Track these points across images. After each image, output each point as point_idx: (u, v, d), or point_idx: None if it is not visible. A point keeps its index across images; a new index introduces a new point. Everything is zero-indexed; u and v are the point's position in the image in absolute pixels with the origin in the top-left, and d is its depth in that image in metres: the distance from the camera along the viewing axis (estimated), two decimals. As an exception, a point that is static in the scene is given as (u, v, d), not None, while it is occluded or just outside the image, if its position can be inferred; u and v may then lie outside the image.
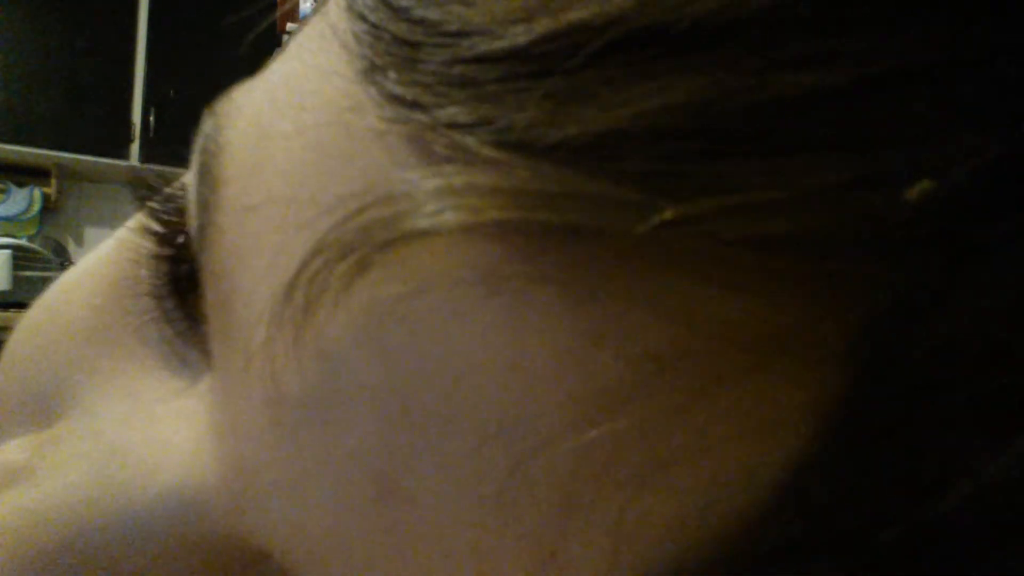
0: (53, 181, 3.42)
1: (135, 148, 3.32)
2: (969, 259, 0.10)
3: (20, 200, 3.37)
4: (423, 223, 0.12)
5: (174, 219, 0.18)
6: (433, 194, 0.12)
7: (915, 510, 0.11)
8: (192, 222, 0.16)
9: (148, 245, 0.18)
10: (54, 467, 0.17)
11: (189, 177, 0.17)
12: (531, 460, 0.12)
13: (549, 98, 0.11)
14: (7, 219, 3.31)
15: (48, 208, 3.43)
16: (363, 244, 0.12)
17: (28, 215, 3.37)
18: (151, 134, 3.30)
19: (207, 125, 0.16)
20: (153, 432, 0.16)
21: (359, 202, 0.12)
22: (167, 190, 0.18)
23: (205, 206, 0.15)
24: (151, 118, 3.32)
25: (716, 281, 0.11)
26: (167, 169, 0.20)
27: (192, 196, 0.16)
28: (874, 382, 0.11)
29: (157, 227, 0.18)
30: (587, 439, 0.12)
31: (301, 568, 0.15)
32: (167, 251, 0.18)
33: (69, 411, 0.18)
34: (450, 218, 0.11)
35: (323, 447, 0.13)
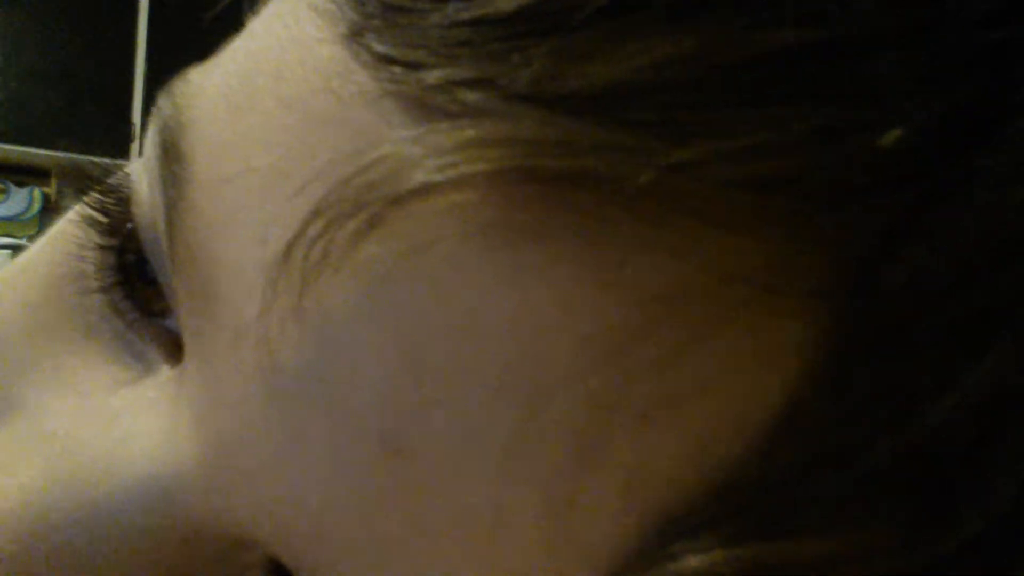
0: (53, 181, 3.42)
1: (135, 148, 3.31)
2: (939, 197, 0.11)
3: (20, 200, 3.37)
4: (432, 176, 0.12)
5: (119, 208, 0.17)
6: (439, 148, 0.12)
7: (906, 424, 0.11)
8: (148, 203, 0.16)
9: (92, 236, 0.17)
10: (1, 470, 0.16)
11: (136, 164, 0.17)
12: (542, 407, 0.12)
13: (552, 54, 0.12)
14: (7, 219, 3.31)
15: (48, 208, 3.43)
16: (372, 202, 0.12)
17: (28, 215, 3.37)
18: (151, 134, 3.30)
19: (165, 106, 0.16)
20: (108, 425, 0.16)
21: (359, 162, 0.12)
22: (109, 181, 0.18)
23: (174, 182, 0.15)
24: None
25: (715, 222, 0.12)
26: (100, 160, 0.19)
27: (156, 175, 0.15)
28: (861, 311, 0.12)
29: (101, 217, 0.17)
30: (596, 382, 0.12)
31: (289, 548, 0.14)
32: (112, 241, 0.17)
33: (8, 414, 0.17)
34: (458, 170, 0.12)
35: (324, 412, 0.13)
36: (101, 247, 0.17)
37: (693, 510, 0.12)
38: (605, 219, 0.12)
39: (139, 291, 0.17)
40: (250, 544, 0.15)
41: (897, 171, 0.11)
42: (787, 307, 0.12)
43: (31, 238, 3.11)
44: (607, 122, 0.11)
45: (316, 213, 0.13)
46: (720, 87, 0.11)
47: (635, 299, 0.12)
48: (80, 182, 0.18)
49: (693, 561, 0.12)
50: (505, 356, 0.12)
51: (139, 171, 0.17)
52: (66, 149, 3.25)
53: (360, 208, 0.12)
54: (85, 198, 0.18)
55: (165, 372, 0.16)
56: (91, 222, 0.18)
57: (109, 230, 0.18)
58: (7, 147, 3.19)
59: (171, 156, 0.15)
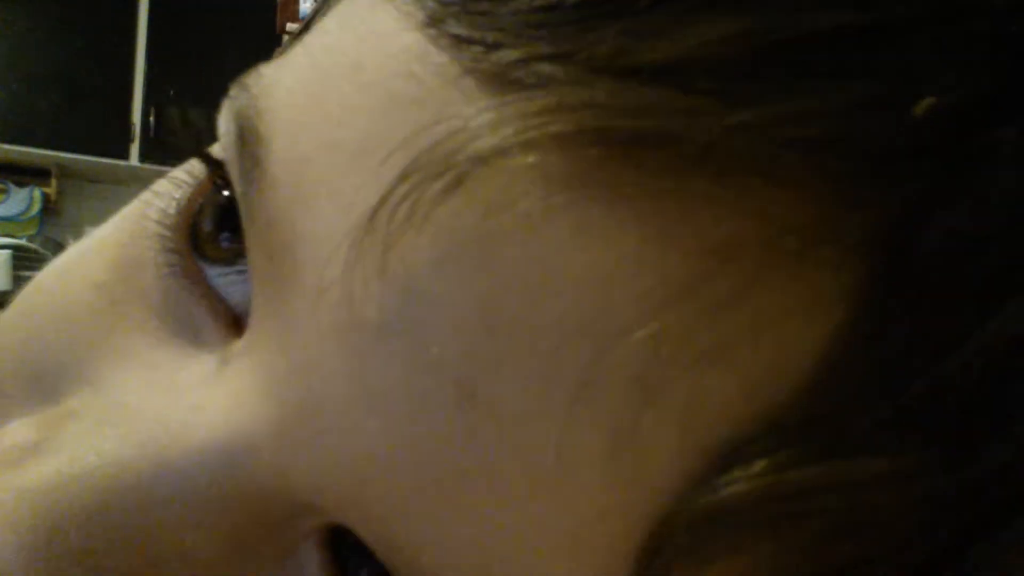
0: (53, 181, 3.43)
1: (135, 148, 3.32)
2: (968, 165, 0.13)
3: (20, 200, 3.38)
4: (512, 139, 0.13)
5: (220, 175, 0.18)
6: (520, 113, 0.13)
7: (936, 365, 0.13)
8: (234, 180, 0.17)
9: (203, 175, 0.19)
10: (76, 436, 0.17)
11: (217, 148, 0.18)
12: (606, 353, 0.13)
13: (624, 32, 0.13)
14: (7, 219, 3.31)
15: (48, 208, 3.44)
16: (456, 163, 0.13)
17: (28, 215, 3.38)
18: (151, 134, 3.31)
19: (241, 96, 0.17)
20: (178, 396, 0.16)
21: (441, 130, 0.13)
22: (211, 146, 0.19)
23: (254, 161, 0.16)
24: (151, 118, 3.32)
25: (768, 177, 0.13)
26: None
27: (233, 156, 0.17)
28: (898, 265, 0.13)
29: (218, 177, 0.18)
30: (656, 327, 0.13)
31: (357, 509, 0.15)
32: (217, 197, 0.18)
33: (78, 388, 0.18)
34: (536, 132, 0.13)
35: (402, 364, 0.14)
36: (218, 185, 0.19)
37: (747, 442, 0.13)
38: (670, 176, 0.13)
39: (207, 256, 0.18)
40: (310, 511, 0.16)
41: (931, 139, 0.12)
42: (833, 259, 0.13)
43: (31, 238, 3.12)
44: (674, 89, 0.13)
45: (403, 177, 0.14)
46: (774, 61, 0.13)
47: (695, 250, 0.13)
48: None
49: (746, 485, 0.13)
50: (575, 307, 0.13)
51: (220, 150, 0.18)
52: (66, 149, 3.25)
53: (446, 169, 0.13)
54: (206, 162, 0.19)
55: (229, 346, 0.17)
56: (208, 162, 0.19)
57: (213, 182, 0.19)
58: (7, 147, 3.20)
59: (249, 138, 0.16)
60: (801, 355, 0.13)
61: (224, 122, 0.17)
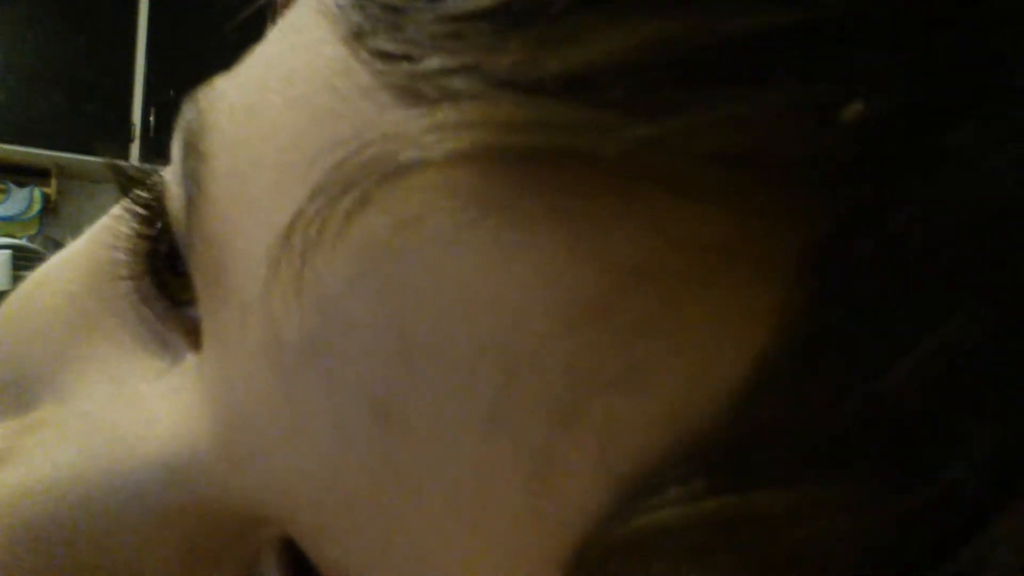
0: (53, 181, 3.42)
1: (135, 148, 3.32)
2: (909, 172, 0.12)
3: (20, 200, 3.37)
4: (416, 154, 0.13)
5: (155, 203, 0.18)
6: (424, 129, 0.13)
7: (870, 385, 0.12)
8: (177, 198, 0.17)
9: (131, 225, 0.18)
10: (38, 446, 0.17)
11: (168, 169, 0.18)
12: (519, 375, 0.13)
13: (531, 42, 0.12)
14: (7, 219, 3.31)
15: (48, 208, 3.43)
16: (363, 179, 0.13)
17: (28, 215, 3.38)
18: (151, 134, 3.30)
19: (189, 111, 0.17)
20: (137, 408, 0.17)
21: (353, 145, 0.13)
22: (149, 180, 0.19)
23: (194, 178, 0.16)
24: (151, 118, 3.32)
25: (685, 194, 0.12)
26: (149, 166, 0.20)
27: (178, 172, 0.17)
28: (829, 279, 0.12)
29: (140, 209, 0.18)
30: (571, 349, 0.13)
31: (298, 523, 0.15)
32: (150, 231, 0.18)
33: (49, 397, 0.18)
34: (441, 148, 0.12)
35: (324, 384, 0.14)
36: (140, 236, 0.18)
37: (665, 469, 0.13)
38: (578, 194, 0.12)
39: (169, 282, 0.18)
40: (265, 521, 0.16)
41: (865, 146, 0.12)
42: (756, 278, 0.12)
43: (31, 238, 3.12)
44: (580, 102, 0.12)
45: (313, 194, 0.13)
46: (691, 68, 0.12)
47: (608, 269, 0.12)
48: (122, 180, 0.19)
49: (662, 515, 0.12)
50: (487, 326, 0.13)
51: (169, 171, 0.18)
52: (66, 149, 3.25)
53: (351, 187, 0.13)
54: (129, 194, 0.19)
55: (190, 360, 0.17)
56: (133, 215, 0.19)
57: (148, 222, 0.19)
58: (7, 147, 3.19)
59: (192, 155, 0.16)
60: (722, 379, 0.13)
61: (175, 136, 0.17)
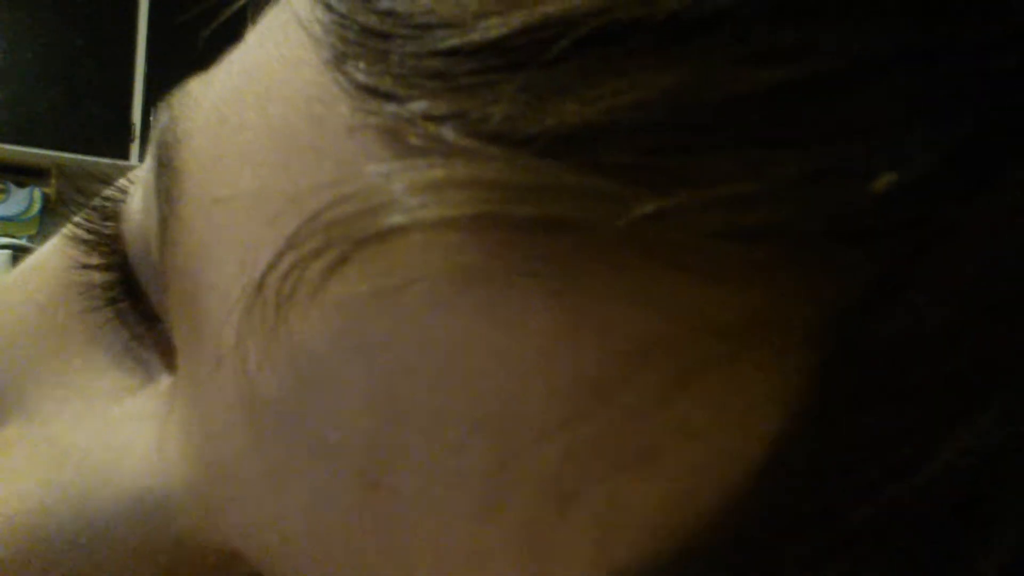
0: (53, 181, 3.42)
1: (135, 148, 3.31)
2: (937, 243, 0.11)
3: (20, 200, 3.37)
4: (401, 218, 0.11)
5: (107, 224, 0.17)
6: (410, 188, 0.12)
7: (895, 480, 0.11)
8: (145, 216, 0.16)
9: (78, 255, 0.17)
10: (5, 474, 0.16)
11: (135, 174, 0.17)
12: (518, 453, 0.12)
13: (525, 90, 0.11)
14: (7, 219, 3.31)
15: (48, 208, 3.43)
16: (340, 240, 0.12)
17: (28, 215, 3.37)
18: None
19: (163, 117, 0.16)
20: (108, 434, 0.16)
21: (331, 195, 0.12)
22: (106, 192, 0.18)
23: (168, 197, 0.15)
24: (151, 118, 3.31)
25: (694, 271, 0.11)
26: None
27: (151, 188, 0.15)
28: (844, 366, 0.11)
29: (85, 235, 0.17)
30: (572, 430, 0.12)
31: (275, 570, 0.14)
32: (99, 260, 0.17)
33: (15, 415, 0.17)
34: (428, 213, 0.11)
35: (303, 445, 0.13)
36: (85, 266, 0.17)
37: (667, 560, 0.12)
38: (579, 267, 0.11)
39: (145, 299, 0.17)
40: (242, 559, 0.15)
41: (891, 217, 0.11)
42: (770, 358, 0.12)
43: (31, 238, 3.11)
44: (580, 166, 0.11)
45: (288, 246, 0.12)
46: (701, 129, 0.11)
47: (611, 349, 0.12)
48: (80, 186, 0.18)
49: None
50: (482, 399, 0.12)
51: (134, 183, 0.17)
52: (66, 149, 3.24)
53: (328, 246, 0.12)
54: (72, 218, 0.18)
55: (164, 381, 0.16)
56: (76, 241, 0.17)
57: (95, 246, 0.18)
58: (7, 147, 3.19)
59: (166, 172, 0.15)
60: (733, 466, 0.12)
61: (150, 145, 0.16)
